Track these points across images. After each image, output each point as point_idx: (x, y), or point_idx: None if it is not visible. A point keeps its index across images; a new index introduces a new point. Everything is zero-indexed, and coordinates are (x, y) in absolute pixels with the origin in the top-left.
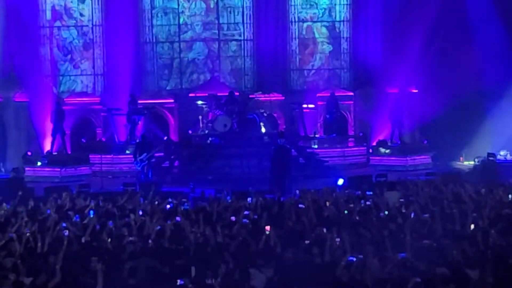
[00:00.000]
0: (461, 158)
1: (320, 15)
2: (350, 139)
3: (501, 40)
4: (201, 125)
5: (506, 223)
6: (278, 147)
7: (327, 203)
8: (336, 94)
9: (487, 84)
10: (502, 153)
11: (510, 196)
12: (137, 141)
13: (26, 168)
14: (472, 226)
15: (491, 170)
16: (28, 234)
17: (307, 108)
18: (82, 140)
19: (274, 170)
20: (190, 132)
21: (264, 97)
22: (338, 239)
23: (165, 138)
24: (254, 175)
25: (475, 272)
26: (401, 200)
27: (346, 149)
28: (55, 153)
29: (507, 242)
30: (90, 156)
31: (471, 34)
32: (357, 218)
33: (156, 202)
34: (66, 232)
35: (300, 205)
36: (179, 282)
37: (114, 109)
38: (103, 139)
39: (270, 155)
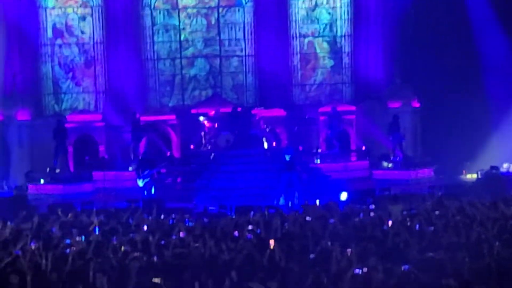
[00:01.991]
0: (464, 171)
1: (321, 30)
2: (352, 154)
3: (506, 53)
4: (203, 141)
5: (510, 235)
6: (286, 162)
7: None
8: (338, 109)
9: (490, 97)
10: (505, 165)
11: None
12: (140, 158)
13: (29, 186)
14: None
15: (494, 182)
16: (33, 249)
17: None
18: (86, 157)
19: (281, 185)
20: (192, 147)
21: (266, 112)
22: (343, 252)
23: (168, 154)
24: (257, 191)
25: (481, 285)
26: (404, 213)
27: (348, 164)
28: (58, 171)
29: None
30: (93, 173)
31: (475, 48)
32: (361, 231)
33: (160, 217)
34: (70, 249)
35: (307, 218)
36: None
37: (116, 126)
38: (106, 156)
39: (278, 171)
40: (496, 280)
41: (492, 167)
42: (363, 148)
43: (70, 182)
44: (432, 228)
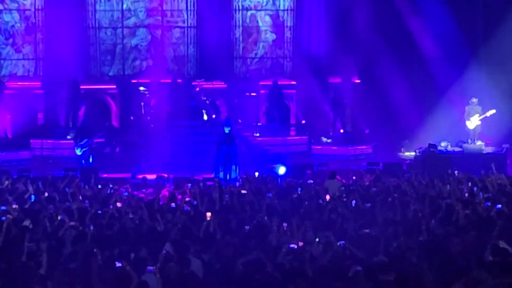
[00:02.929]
0: (402, 149)
1: (264, 3)
2: (292, 128)
3: (451, 30)
4: (143, 111)
5: (445, 213)
6: (225, 134)
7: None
8: (279, 83)
9: (433, 77)
10: (443, 144)
11: (448, 186)
12: (79, 126)
13: None
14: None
15: (432, 160)
16: None
17: (249, 96)
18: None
19: (220, 157)
20: (132, 118)
21: (207, 84)
22: (279, 226)
23: (107, 124)
24: (197, 162)
25: (414, 260)
26: (342, 188)
27: (288, 138)
28: None
29: (446, 231)
30: (30, 140)
31: (419, 23)
32: (299, 206)
33: (98, 187)
34: (6, 217)
35: (243, 191)
36: (117, 264)
37: (56, 93)
38: (43, 123)
39: (216, 143)
40: (430, 257)
41: (430, 145)
42: (303, 122)
43: (7, 149)
44: (369, 204)
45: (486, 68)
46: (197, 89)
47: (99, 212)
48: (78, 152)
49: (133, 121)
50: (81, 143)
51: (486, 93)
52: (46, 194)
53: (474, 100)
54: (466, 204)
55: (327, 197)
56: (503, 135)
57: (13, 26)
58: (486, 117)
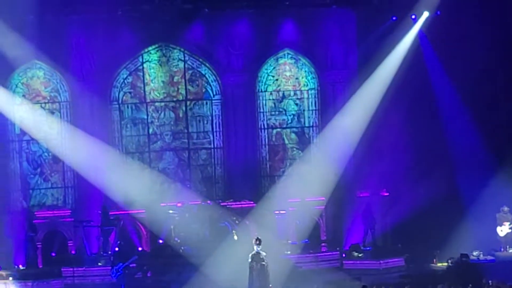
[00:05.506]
0: (434, 260)
1: (289, 121)
2: (322, 244)
3: (476, 143)
4: (173, 234)
5: None
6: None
7: None
8: (307, 199)
9: (460, 186)
10: (475, 253)
11: None
12: (114, 251)
13: None
14: None
15: (465, 270)
16: None
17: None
18: (52, 254)
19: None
20: (160, 241)
21: (236, 204)
22: None
23: (140, 248)
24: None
25: None
26: None
27: (319, 254)
28: (25, 267)
29: None
30: (62, 269)
31: (443, 135)
32: None
33: None
34: None
35: None
36: None
37: (85, 221)
38: (73, 252)
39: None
40: None
41: (462, 255)
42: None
43: (39, 279)
44: None
45: None
46: (226, 210)
47: None
48: (113, 277)
49: (163, 244)
50: (116, 267)
51: None
52: None
53: (506, 208)
54: None
55: None
56: None
57: (40, 155)
58: None
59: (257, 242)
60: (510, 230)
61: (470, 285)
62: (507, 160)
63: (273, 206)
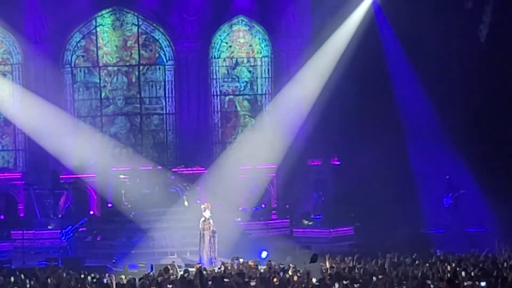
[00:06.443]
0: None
1: (242, 88)
2: (273, 212)
3: (427, 113)
4: (123, 199)
5: None
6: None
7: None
8: (258, 167)
9: (410, 155)
10: (423, 224)
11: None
12: (63, 214)
13: None
14: None
15: (414, 240)
16: None
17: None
18: (1, 216)
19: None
20: (109, 205)
21: (187, 170)
22: None
23: (91, 212)
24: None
25: None
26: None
27: (269, 222)
28: None
29: None
30: (11, 232)
31: (395, 104)
32: None
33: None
34: None
35: (225, 280)
36: None
37: (35, 184)
38: (23, 215)
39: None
40: None
41: (410, 225)
42: (287, 207)
43: None
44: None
45: None
46: (173, 177)
47: None
48: (63, 239)
49: (113, 208)
50: (65, 230)
51: None
52: (28, 286)
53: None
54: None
55: (313, 280)
56: None
57: None
58: None
59: (207, 208)
60: (452, 201)
61: (415, 254)
62: (456, 130)
63: (224, 172)
